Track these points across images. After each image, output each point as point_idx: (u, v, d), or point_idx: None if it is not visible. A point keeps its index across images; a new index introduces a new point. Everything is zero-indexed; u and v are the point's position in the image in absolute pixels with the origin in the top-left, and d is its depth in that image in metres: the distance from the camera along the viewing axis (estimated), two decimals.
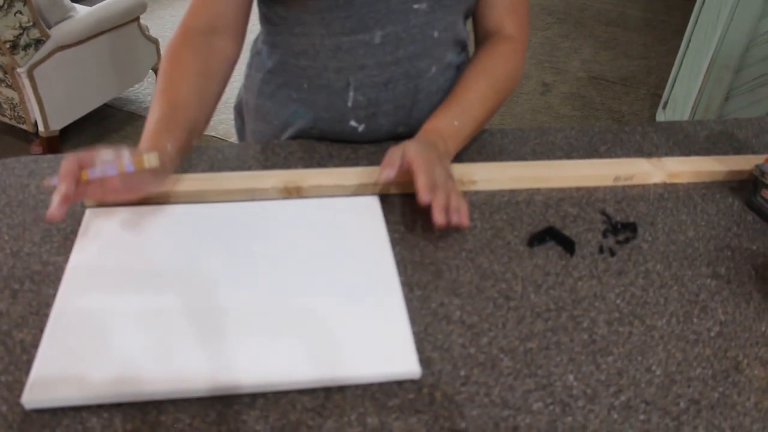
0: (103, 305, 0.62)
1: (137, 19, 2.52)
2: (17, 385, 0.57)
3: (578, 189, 0.86)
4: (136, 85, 2.90)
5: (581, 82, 3.33)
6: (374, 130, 0.89)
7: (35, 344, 0.60)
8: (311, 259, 0.68)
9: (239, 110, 1.03)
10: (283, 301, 0.63)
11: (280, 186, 0.78)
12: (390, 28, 0.82)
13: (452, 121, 0.82)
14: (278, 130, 0.94)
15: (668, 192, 0.88)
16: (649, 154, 0.95)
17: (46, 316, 0.63)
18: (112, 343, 0.58)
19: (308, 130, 0.91)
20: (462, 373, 0.60)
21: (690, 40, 2.50)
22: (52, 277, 0.68)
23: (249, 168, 0.85)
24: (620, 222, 0.80)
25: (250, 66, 0.96)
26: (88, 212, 0.74)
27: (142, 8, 2.50)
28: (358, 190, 0.79)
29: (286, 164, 0.86)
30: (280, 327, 0.61)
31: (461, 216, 0.70)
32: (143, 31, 2.58)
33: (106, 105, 2.72)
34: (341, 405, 0.56)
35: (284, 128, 0.93)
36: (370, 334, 0.60)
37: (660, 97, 3.17)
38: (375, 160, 0.88)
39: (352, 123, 0.88)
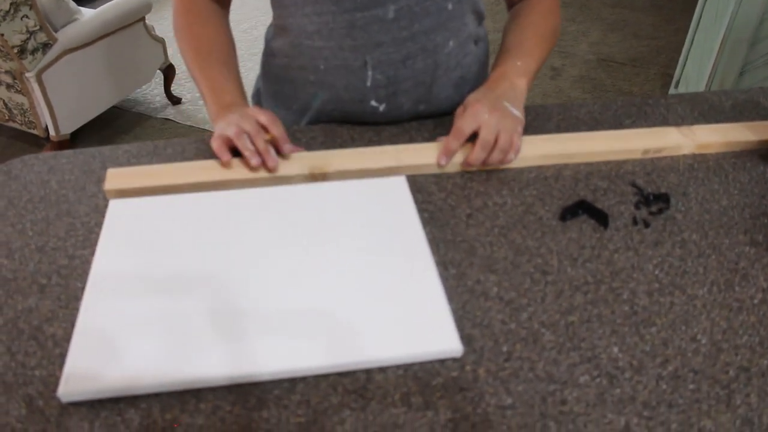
0: (132, 296, 0.61)
1: (143, 19, 2.51)
2: (52, 380, 0.56)
3: (607, 162, 0.84)
4: (144, 86, 2.89)
5: (590, 65, 3.29)
6: (395, 109, 0.88)
7: (67, 338, 0.59)
8: (343, 242, 0.67)
9: (257, 99, 1.02)
10: (318, 284, 0.62)
11: (305, 172, 0.77)
12: (403, 2, 0.80)
13: (515, 63, 0.84)
14: (298, 115, 0.93)
15: (698, 162, 0.86)
16: (675, 125, 0.93)
17: (76, 309, 0.62)
18: (145, 333, 0.57)
19: (329, 113, 0.90)
20: (504, 349, 0.58)
21: (701, 17, 2.46)
22: (79, 271, 0.67)
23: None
24: (652, 193, 0.78)
25: (265, 53, 0.95)
26: (111, 204, 0.73)
27: (148, 8, 2.49)
28: (386, 172, 0.78)
29: (308, 149, 0.85)
30: (318, 310, 0.59)
31: (506, 156, 0.77)
32: (149, 31, 2.58)
33: (115, 107, 2.72)
34: (384, 386, 0.55)
35: (304, 112, 0.92)
36: (408, 314, 0.59)
37: (671, 76, 3.13)
38: (398, 142, 0.87)
39: (373, 103, 0.86)
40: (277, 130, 0.77)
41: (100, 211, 0.74)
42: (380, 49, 0.83)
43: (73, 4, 2.28)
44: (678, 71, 2.71)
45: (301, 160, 0.78)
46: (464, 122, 0.78)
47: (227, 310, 0.59)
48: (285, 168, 0.77)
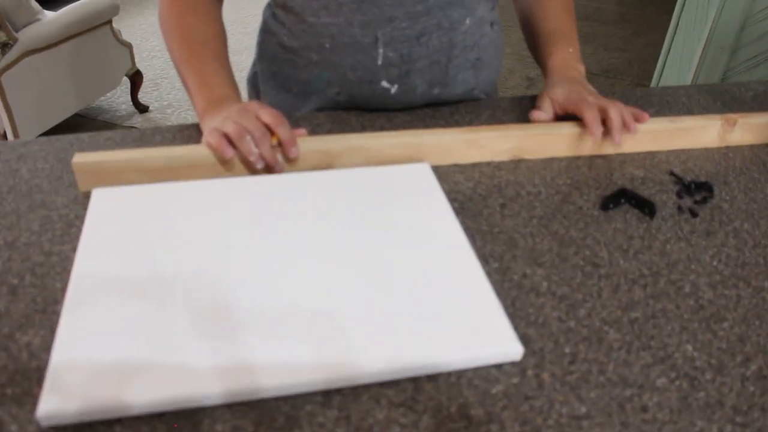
0: (123, 297, 0.51)
1: (109, 22, 2.39)
2: (28, 399, 0.46)
3: (639, 151, 0.78)
4: (110, 93, 2.76)
5: None
6: (408, 91, 0.80)
7: (46, 347, 0.49)
8: (368, 235, 0.59)
9: (254, 83, 0.93)
10: (345, 283, 0.53)
11: (314, 160, 0.68)
12: None
13: (567, 49, 0.82)
14: (300, 99, 0.84)
15: (732, 151, 0.80)
16: (699, 115, 0.88)
17: (56, 313, 0.52)
18: (140, 342, 0.48)
19: (334, 96, 0.82)
20: (567, 350, 0.51)
21: (677, 25, 2.47)
22: (58, 269, 0.57)
23: None
24: (693, 182, 0.72)
25: (264, 31, 0.86)
26: (95, 193, 0.63)
27: (115, 10, 2.38)
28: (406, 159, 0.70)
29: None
30: (349, 312, 0.50)
31: (637, 120, 0.73)
32: (116, 35, 2.45)
33: (78, 114, 2.57)
34: (435, 397, 0.46)
35: (307, 96, 0.83)
36: (456, 314, 0.51)
37: (645, 86, 3.15)
38: (413, 128, 0.79)
39: (384, 84, 0.79)
40: (284, 132, 0.66)
41: (80, 203, 0.64)
42: (392, 24, 0.76)
43: (35, 4, 2.15)
44: (655, 80, 2.71)
45: (308, 144, 0.69)
46: (589, 109, 0.72)
47: (237, 313, 0.50)
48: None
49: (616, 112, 0.72)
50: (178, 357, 0.46)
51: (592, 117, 0.71)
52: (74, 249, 0.58)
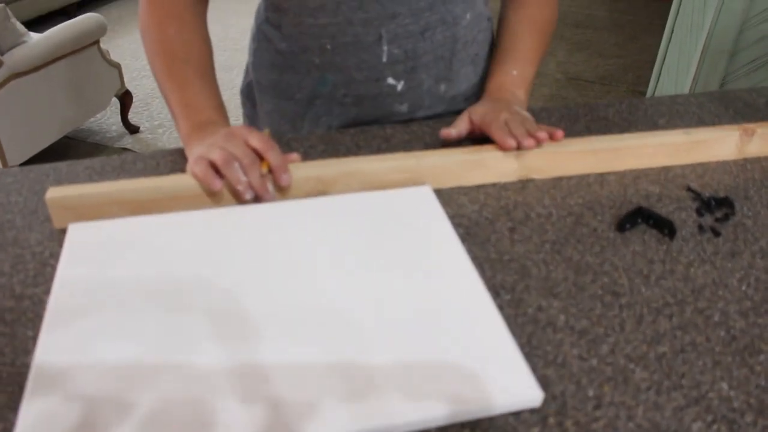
0: (104, 346, 0.46)
1: (97, 42, 2.35)
2: None
3: (654, 166, 0.74)
4: (99, 114, 2.72)
5: (560, 84, 3.27)
6: (415, 88, 0.79)
7: (13, 407, 0.44)
8: (372, 269, 0.54)
9: (247, 93, 0.89)
10: (343, 320, 0.49)
11: (307, 187, 0.63)
12: None
13: (511, 71, 0.79)
14: (303, 106, 0.81)
15: (750, 163, 0.76)
16: (712, 125, 0.84)
17: (26, 366, 0.47)
18: (124, 401, 0.43)
19: (341, 99, 0.79)
20: (590, 393, 0.46)
21: (673, 31, 2.44)
22: (30, 314, 0.52)
23: None
24: (713, 197, 0.68)
25: (257, 39, 0.82)
26: (71, 228, 0.58)
27: (102, 30, 2.34)
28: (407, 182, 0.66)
29: (306, 160, 0.72)
30: (348, 356, 0.46)
31: (548, 135, 0.68)
32: (104, 55, 2.41)
33: (67, 137, 2.53)
34: None
35: (310, 102, 0.80)
36: (467, 356, 0.46)
37: (641, 93, 3.12)
38: (411, 148, 0.75)
39: (390, 80, 0.77)
40: (274, 157, 0.61)
41: (56, 239, 0.59)
42: (396, 20, 0.74)
43: (21, 26, 2.11)
44: (652, 86, 2.68)
45: (300, 171, 0.64)
46: (497, 127, 0.68)
47: (231, 358, 0.45)
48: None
49: (518, 124, 0.68)
50: (172, 413, 0.41)
51: (500, 134, 0.67)
52: (48, 291, 0.53)
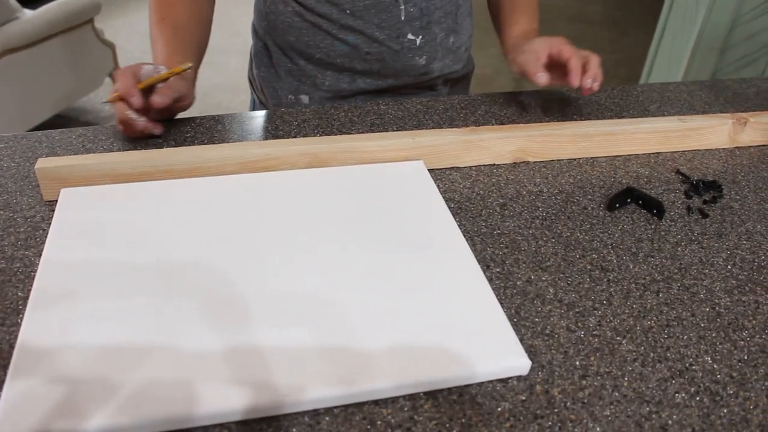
0: (94, 311, 0.46)
1: (91, 21, 2.33)
2: None
3: (647, 152, 0.75)
4: (92, 94, 2.69)
5: None
6: (431, 41, 0.84)
7: (3, 365, 0.44)
8: (366, 239, 0.54)
9: (259, 55, 0.91)
10: (337, 289, 0.49)
11: (305, 161, 0.63)
12: None
13: (532, 25, 0.88)
14: (321, 66, 0.84)
15: (739, 149, 0.77)
16: (703, 112, 0.85)
17: (16, 326, 0.47)
18: (115, 366, 0.43)
19: (364, 56, 0.83)
20: (577, 362, 0.46)
21: (665, 27, 2.45)
22: (20, 275, 0.52)
23: (258, 139, 0.70)
24: (702, 181, 0.69)
25: (265, 17, 0.84)
26: (63, 193, 0.58)
27: (96, 9, 2.31)
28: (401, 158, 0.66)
29: (301, 135, 0.72)
30: (341, 322, 0.46)
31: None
32: (98, 34, 2.39)
33: (59, 115, 2.50)
34: (436, 416, 0.42)
35: (329, 62, 0.83)
36: (457, 324, 0.46)
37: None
38: (404, 125, 0.75)
39: (410, 35, 0.83)
40: (121, 86, 0.65)
41: (47, 204, 0.59)
42: None
43: (14, 2, 2.08)
44: (643, 81, 2.70)
45: (296, 147, 0.64)
46: (574, 55, 0.74)
47: (220, 325, 0.45)
48: (279, 152, 0.63)
49: (596, 62, 0.74)
50: (161, 378, 0.41)
51: (576, 65, 0.73)
52: (39, 254, 0.53)
